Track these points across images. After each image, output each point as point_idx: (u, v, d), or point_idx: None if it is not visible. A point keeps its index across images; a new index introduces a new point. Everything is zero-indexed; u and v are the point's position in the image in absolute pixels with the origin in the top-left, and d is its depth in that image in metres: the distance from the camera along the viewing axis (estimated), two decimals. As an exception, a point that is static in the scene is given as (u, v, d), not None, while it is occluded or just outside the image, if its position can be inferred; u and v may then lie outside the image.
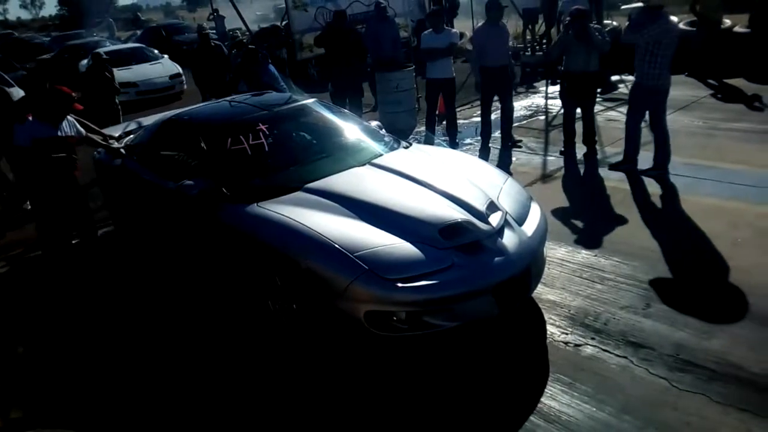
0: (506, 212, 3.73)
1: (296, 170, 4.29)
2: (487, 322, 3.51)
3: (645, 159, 6.06)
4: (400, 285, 3.17)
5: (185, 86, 13.52)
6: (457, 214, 3.57)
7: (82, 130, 5.07)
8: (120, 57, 14.27)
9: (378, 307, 3.22)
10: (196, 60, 9.23)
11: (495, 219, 3.61)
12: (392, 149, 4.62)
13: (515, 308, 3.59)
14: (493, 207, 3.71)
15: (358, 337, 3.37)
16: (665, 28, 5.56)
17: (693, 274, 4.15)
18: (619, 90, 9.29)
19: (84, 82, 8.00)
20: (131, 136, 5.74)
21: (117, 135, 5.82)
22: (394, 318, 3.24)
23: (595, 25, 6.34)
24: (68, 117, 4.94)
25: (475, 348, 3.53)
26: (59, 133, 4.78)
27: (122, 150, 5.37)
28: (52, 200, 4.91)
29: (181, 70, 13.82)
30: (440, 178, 3.99)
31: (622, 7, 11.27)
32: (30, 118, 4.75)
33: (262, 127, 4.49)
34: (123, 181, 5.37)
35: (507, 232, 3.58)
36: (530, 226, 3.76)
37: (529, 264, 3.54)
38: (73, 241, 5.24)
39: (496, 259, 3.40)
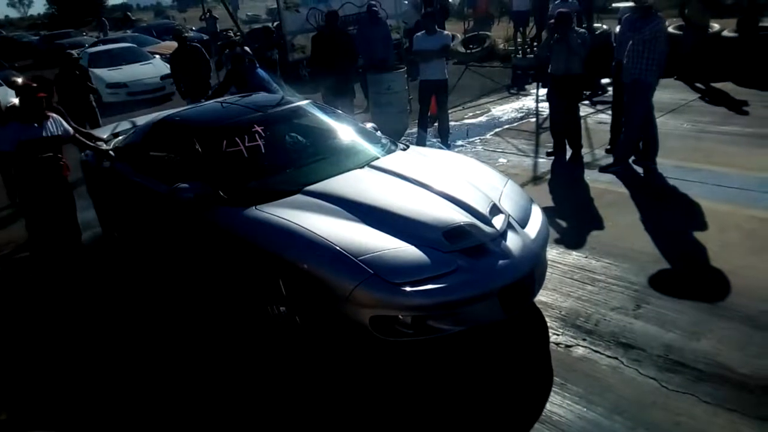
0: (509, 215, 3.70)
1: (294, 172, 4.25)
2: (491, 325, 3.48)
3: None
4: (407, 289, 3.13)
5: (176, 87, 13.47)
6: (461, 217, 3.53)
7: (69, 128, 5.00)
8: (110, 57, 14.22)
9: (383, 311, 3.17)
10: (173, 63, 9.00)
11: (498, 222, 3.58)
12: (390, 151, 4.57)
13: (519, 312, 3.57)
14: (495, 210, 3.68)
15: (362, 343, 3.34)
16: (660, 26, 5.70)
17: (682, 275, 4.19)
18: (609, 93, 9.34)
19: (57, 84, 7.84)
20: (120, 137, 5.67)
21: (105, 137, 5.78)
22: (399, 322, 3.20)
23: (581, 29, 6.37)
24: (53, 115, 4.89)
25: (472, 349, 3.52)
26: (44, 133, 4.72)
27: (111, 152, 5.30)
28: (42, 201, 4.86)
29: (171, 71, 13.75)
30: (441, 180, 3.95)
31: (614, 5, 11.33)
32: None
33: (258, 128, 4.42)
34: (112, 183, 5.29)
35: (510, 235, 3.55)
36: (532, 229, 3.73)
37: (533, 267, 3.51)
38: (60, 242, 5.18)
39: (501, 262, 3.36)
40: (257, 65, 7.73)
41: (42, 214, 4.93)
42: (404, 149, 4.71)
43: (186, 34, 9.78)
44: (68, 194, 5.05)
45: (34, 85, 4.84)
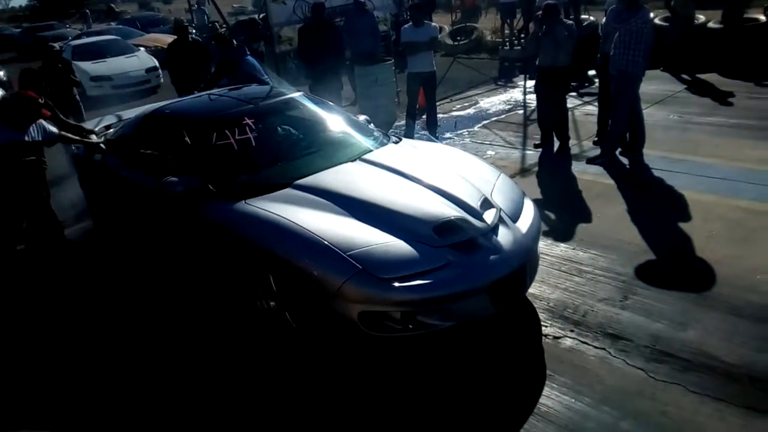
0: (500, 209, 3.68)
1: (285, 166, 4.21)
2: (481, 320, 3.48)
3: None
4: (396, 284, 3.12)
5: (162, 80, 13.30)
6: (452, 212, 3.51)
7: (54, 129, 4.91)
8: (94, 50, 14.05)
9: (372, 307, 3.16)
10: (172, 56, 8.53)
11: (489, 216, 3.56)
12: (382, 144, 4.52)
13: (511, 307, 3.57)
14: (487, 204, 3.66)
15: (352, 338, 3.32)
16: (646, 18, 5.73)
17: (668, 266, 4.23)
18: (596, 84, 9.37)
19: (41, 77, 7.72)
20: (111, 130, 5.63)
21: (96, 129, 5.73)
22: (389, 318, 3.19)
23: (568, 21, 6.38)
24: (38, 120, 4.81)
25: (463, 341, 3.52)
26: (26, 138, 4.64)
27: (102, 145, 5.26)
28: (17, 204, 4.78)
29: (157, 63, 13.54)
30: (432, 174, 3.93)
31: None
32: None
33: (249, 121, 4.38)
34: (103, 177, 5.25)
35: (502, 230, 3.53)
36: (524, 223, 3.71)
37: (525, 262, 3.50)
38: (18, 248, 5.10)
39: (492, 257, 3.35)
40: (247, 51, 7.59)
41: (13, 216, 4.84)
42: (396, 142, 4.68)
43: (185, 25, 9.29)
44: (43, 196, 4.95)
45: (40, 100, 4.75)
